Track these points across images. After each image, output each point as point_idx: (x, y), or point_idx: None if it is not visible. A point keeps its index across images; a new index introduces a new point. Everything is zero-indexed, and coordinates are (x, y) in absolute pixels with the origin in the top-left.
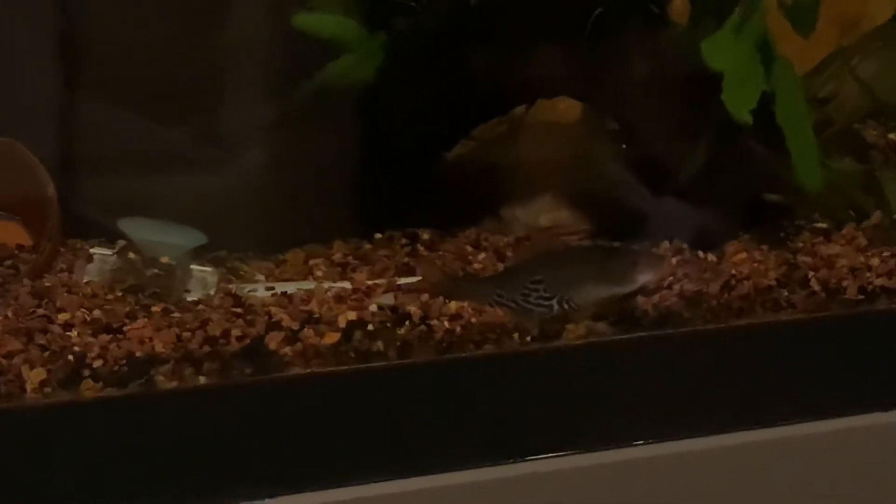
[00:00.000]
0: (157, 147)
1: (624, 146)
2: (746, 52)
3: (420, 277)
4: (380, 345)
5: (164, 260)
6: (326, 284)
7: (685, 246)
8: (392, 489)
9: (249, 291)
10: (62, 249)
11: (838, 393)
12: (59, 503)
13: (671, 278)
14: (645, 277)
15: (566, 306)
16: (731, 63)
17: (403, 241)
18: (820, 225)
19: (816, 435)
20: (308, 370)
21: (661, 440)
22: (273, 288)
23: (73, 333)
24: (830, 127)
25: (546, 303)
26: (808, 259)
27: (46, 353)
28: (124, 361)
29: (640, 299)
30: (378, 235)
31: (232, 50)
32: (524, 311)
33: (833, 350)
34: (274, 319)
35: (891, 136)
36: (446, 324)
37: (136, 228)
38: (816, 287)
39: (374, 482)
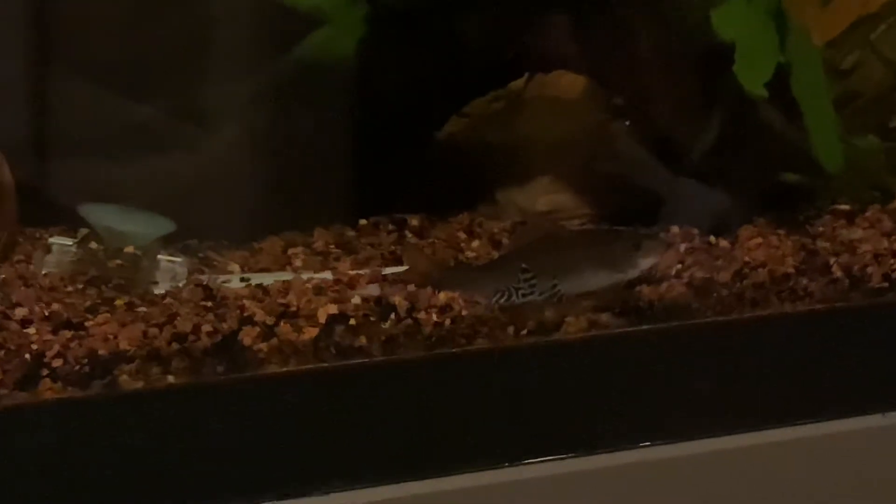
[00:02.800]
0: (123, 127)
1: (629, 123)
2: (760, 20)
3: (407, 267)
4: (363, 340)
5: (129, 250)
6: (306, 275)
7: (695, 231)
8: (377, 496)
9: (222, 283)
10: (19, 239)
11: (862, 388)
12: None
13: (679, 266)
14: (648, 262)
15: (555, 298)
16: (743, 33)
17: (390, 227)
18: (841, 207)
19: (838, 434)
20: (285, 368)
21: (668, 441)
22: (248, 279)
23: (31, 330)
24: (852, 101)
25: (530, 294)
26: (828, 244)
27: (2, 352)
28: (86, 360)
29: (646, 289)
30: (363, 222)
31: (204, 22)
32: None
33: (856, 342)
34: (248, 313)
35: None
36: (435, 317)
37: (99, 215)
38: (838, 274)
39: (358, 489)
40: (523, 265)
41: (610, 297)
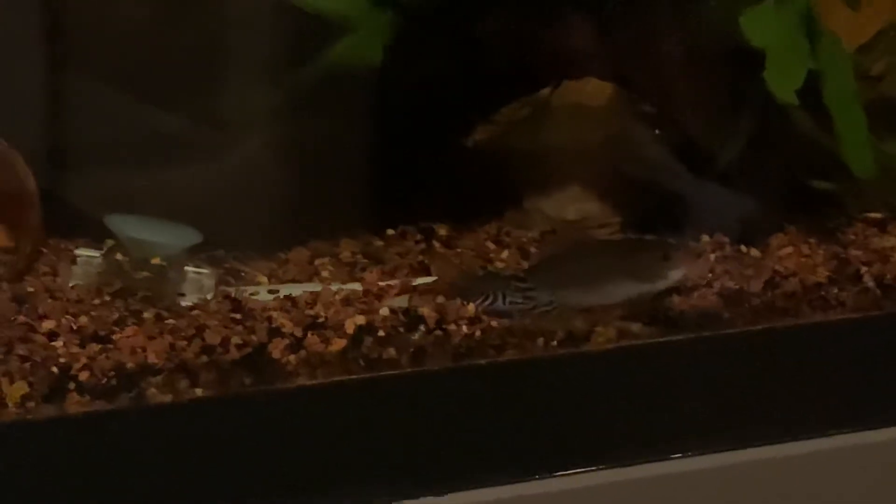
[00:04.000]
0: (149, 136)
1: (658, 131)
2: (790, 26)
3: (436, 277)
4: (391, 351)
5: (156, 261)
6: (333, 286)
7: (725, 240)
8: None
9: (250, 295)
10: (44, 250)
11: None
12: None
13: (710, 275)
14: (677, 273)
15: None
16: (773, 38)
17: (418, 237)
18: (873, 215)
19: (872, 444)
20: (314, 380)
21: (700, 453)
22: (276, 291)
23: (58, 343)
24: (883, 107)
25: (520, 304)
26: (860, 253)
27: (28, 365)
28: (113, 373)
29: (676, 298)
30: (390, 231)
31: (230, 31)
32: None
33: (889, 352)
34: (276, 325)
35: None
36: (464, 328)
37: (126, 226)
38: (870, 283)
39: (384, 501)
40: (520, 275)
41: (640, 307)
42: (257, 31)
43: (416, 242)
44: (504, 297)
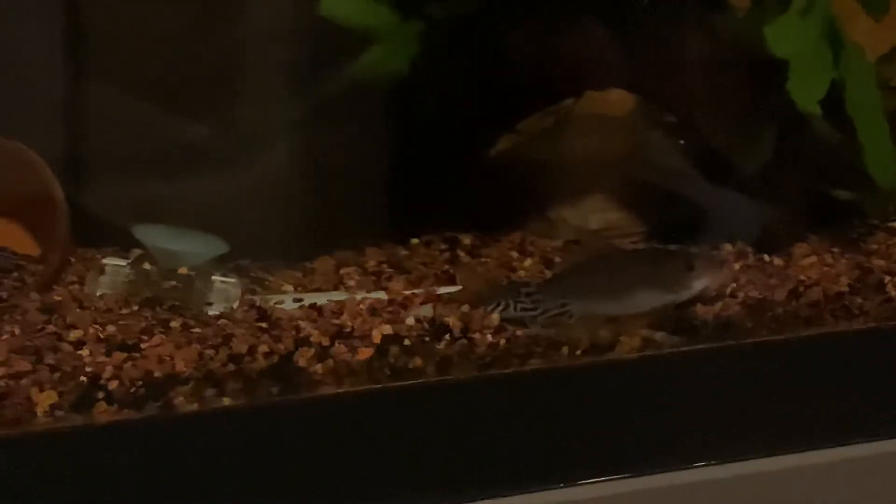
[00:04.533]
0: (175, 147)
1: (682, 141)
2: (813, 36)
3: (461, 286)
4: (417, 361)
5: (183, 270)
6: (359, 295)
7: (749, 249)
8: None
9: (276, 304)
10: (72, 259)
11: None
12: None
13: (734, 285)
14: (701, 283)
15: (565, 317)
16: (796, 49)
17: (442, 246)
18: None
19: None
20: (340, 389)
21: (724, 461)
22: (301, 300)
23: (86, 352)
24: None
25: (531, 310)
26: (882, 262)
27: (57, 374)
28: (141, 382)
29: (700, 308)
30: (415, 241)
31: (255, 41)
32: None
33: None
34: (303, 334)
35: None
36: (489, 337)
37: (153, 236)
38: (893, 293)
39: None
40: (525, 281)
41: (664, 316)
42: (286, 42)
43: (441, 252)
44: (515, 304)
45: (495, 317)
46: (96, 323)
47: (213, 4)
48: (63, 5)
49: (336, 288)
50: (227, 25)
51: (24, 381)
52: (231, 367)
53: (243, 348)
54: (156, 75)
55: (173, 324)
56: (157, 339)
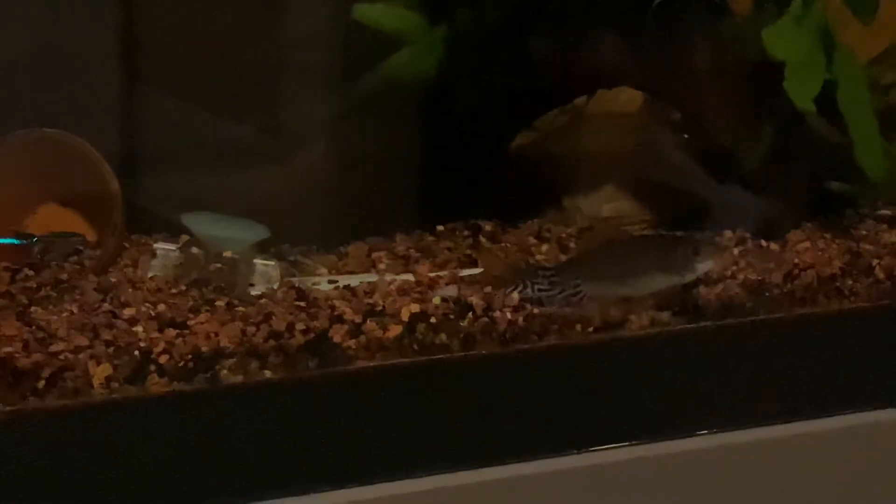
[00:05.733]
0: (219, 142)
1: (686, 136)
2: (808, 40)
3: (482, 269)
4: (443, 337)
5: (228, 254)
6: (389, 277)
7: (748, 235)
8: (456, 481)
9: (313, 285)
10: (126, 245)
11: None
12: (126, 500)
13: (734, 268)
14: (706, 266)
15: (577, 297)
16: (792, 52)
17: (465, 232)
18: (884, 212)
19: (880, 423)
20: (372, 363)
21: (725, 429)
22: (336, 281)
23: (139, 329)
24: (894, 114)
25: (548, 290)
26: (871, 247)
27: (112, 349)
28: (190, 356)
29: (703, 289)
30: (440, 228)
31: (293, 43)
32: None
33: None
34: (337, 313)
35: None
36: (509, 315)
37: (200, 223)
38: (881, 275)
39: (438, 474)
40: (546, 265)
41: (670, 297)
42: (323, 45)
43: (465, 238)
44: (532, 285)
45: (515, 297)
46: (148, 302)
47: (258, 12)
48: (120, 13)
49: (368, 270)
50: (269, 31)
51: (81, 356)
52: (271, 342)
53: (282, 326)
54: (205, 77)
55: (218, 303)
56: (203, 316)
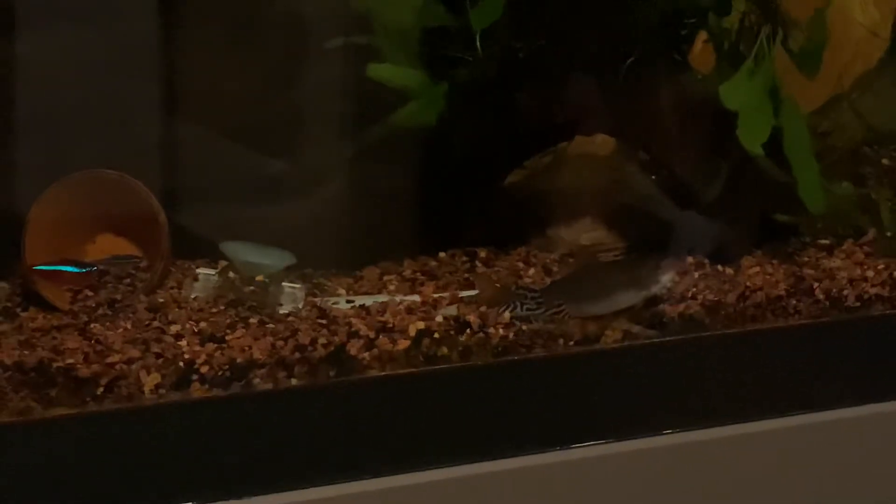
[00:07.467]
0: (252, 180)
1: (653, 175)
2: (758, 93)
3: (478, 291)
4: (444, 350)
5: (260, 278)
6: (398, 297)
7: (706, 261)
8: (457, 473)
9: (333, 304)
10: (172, 269)
11: (839, 386)
12: (173, 491)
13: (694, 289)
14: (667, 277)
15: (560, 315)
16: (744, 103)
17: (464, 258)
18: (823, 241)
19: (819, 423)
20: (384, 372)
21: (688, 429)
22: (353, 301)
23: (183, 343)
24: (831, 156)
25: (534, 309)
26: (812, 272)
27: (160, 360)
28: (227, 366)
29: (668, 307)
30: (442, 254)
31: (315, 96)
32: (522, 316)
33: (835, 350)
34: (354, 329)
35: (884, 161)
36: (501, 331)
37: (236, 250)
38: (820, 296)
39: (441, 468)
40: (533, 287)
41: (640, 314)
42: (339, 97)
43: (463, 263)
44: (521, 305)
45: (506, 315)
46: (191, 320)
47: (287, 68)
48: (157, 57)
49: (380, 291)
50: (299, 85)
51: (134, 366)
52: (297, 354)
53: (307, 340)
54: (240, 120)
55: (252, 321)
56: (239, 332)
